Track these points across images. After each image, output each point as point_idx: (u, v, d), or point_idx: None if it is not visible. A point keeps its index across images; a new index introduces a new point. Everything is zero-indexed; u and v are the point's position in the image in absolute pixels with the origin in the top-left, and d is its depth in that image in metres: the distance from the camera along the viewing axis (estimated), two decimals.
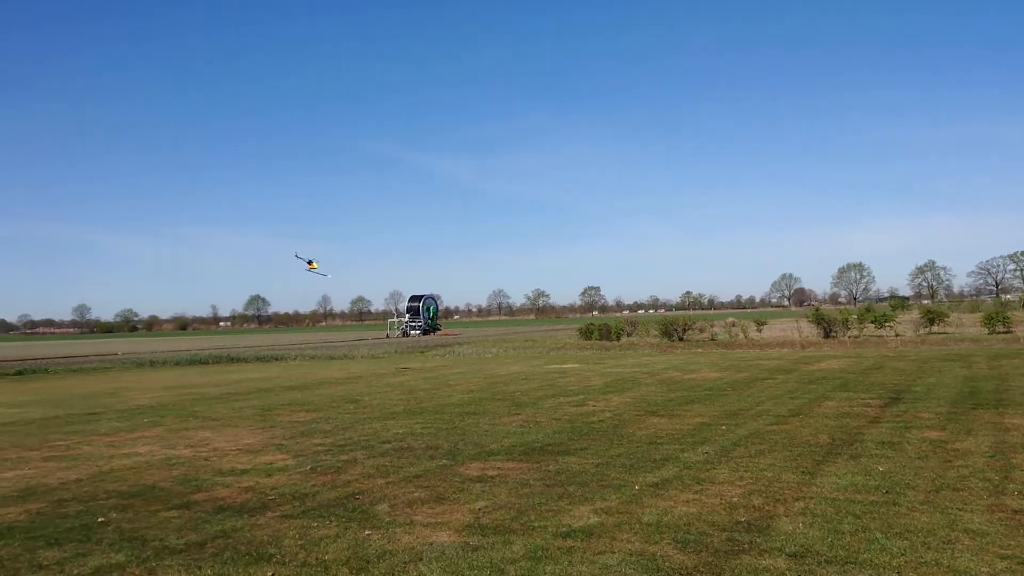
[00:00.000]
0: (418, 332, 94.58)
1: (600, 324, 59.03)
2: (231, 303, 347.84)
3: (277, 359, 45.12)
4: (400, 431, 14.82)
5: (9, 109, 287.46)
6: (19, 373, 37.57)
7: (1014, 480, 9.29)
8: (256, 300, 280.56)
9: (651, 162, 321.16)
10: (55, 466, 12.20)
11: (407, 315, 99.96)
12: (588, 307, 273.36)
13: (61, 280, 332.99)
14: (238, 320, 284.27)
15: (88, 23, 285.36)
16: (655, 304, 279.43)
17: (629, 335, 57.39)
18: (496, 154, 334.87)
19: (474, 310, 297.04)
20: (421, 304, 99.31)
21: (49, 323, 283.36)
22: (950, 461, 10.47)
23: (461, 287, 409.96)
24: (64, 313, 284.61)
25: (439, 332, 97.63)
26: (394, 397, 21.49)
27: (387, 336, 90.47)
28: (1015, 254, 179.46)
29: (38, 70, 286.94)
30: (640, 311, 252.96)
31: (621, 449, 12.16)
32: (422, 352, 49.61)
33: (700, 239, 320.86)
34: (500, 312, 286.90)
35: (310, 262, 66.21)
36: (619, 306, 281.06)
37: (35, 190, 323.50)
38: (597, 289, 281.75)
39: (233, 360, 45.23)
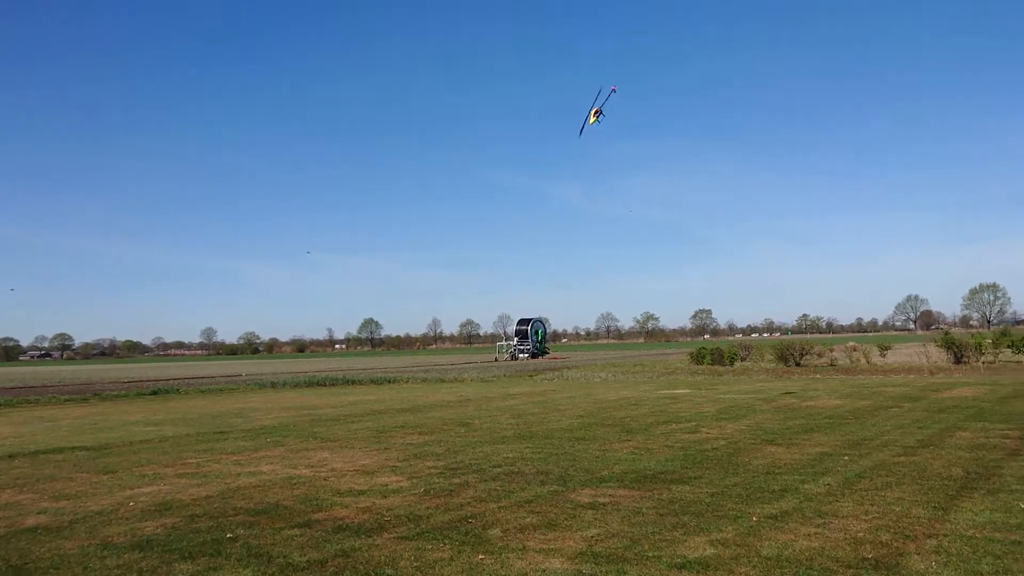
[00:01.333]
0: (526, 355, 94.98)
1: (712, 348, 57.74)
2: (346, 326, 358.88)
3: (390, 382, 46.26)
4: (511, 455, 14.89)
5: (149, 146, 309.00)
6: (154, 393, 39.93)
7: None
8: (369, 323, 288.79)
9: (766, 183, 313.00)
10: (187, 483, 12.87)
11: (516, 338, 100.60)
12: (699, 331, 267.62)
13: (190, 303, 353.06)
14: (352, 343, 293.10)
15: (236, 63, 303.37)
16: (770, 327, 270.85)
17: (743, 360, 55.88)
18: (607, 178, 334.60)
19: (583, 333, 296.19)
20: (529, 327, 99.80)
21: (179, 345, 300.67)
22: None
23: (569, 310, 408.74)
24: (193, 335, 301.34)
25: (547, 356, 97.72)
26: (504, 421, 21.62)
27: (496, 359, 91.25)
28: None
29: (175, 114, 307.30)
30: (754, 335, 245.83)
31: (737, 479, 11.82)
32: (530, 376, 49.79)
33: (818, 260, 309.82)
34: (608, 336, 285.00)
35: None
36: (731, 329, 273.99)
37: (168, 218, 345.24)
38: (708, 312, 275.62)
39: (348, 382, 46.65)
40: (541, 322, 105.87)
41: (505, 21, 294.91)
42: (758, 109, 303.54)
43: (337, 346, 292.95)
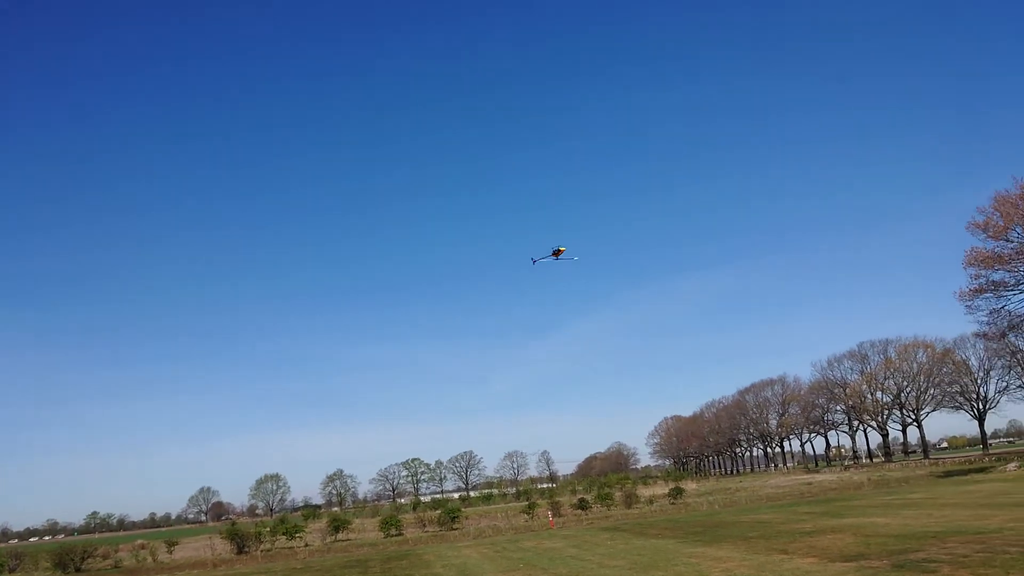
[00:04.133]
0: None
1: None
2: None
3: None
4: None
5: None
6: None
7: None
8: None
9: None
10: None
11: None
12: None
13: None
14: None
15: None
16: (54, 529, 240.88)
17: (12, 571, 48.36)
18: None
19: None
20: None
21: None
22: None
23: None
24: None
25: None
26: None
27: None
28: (407, 461, 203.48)
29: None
30: (34, 539, 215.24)
31: None
32: None
33: (109, 452, 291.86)
34: None
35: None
36: (6, 534, 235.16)
37: None
38: None
39: None
40: None
41: None
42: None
43: None
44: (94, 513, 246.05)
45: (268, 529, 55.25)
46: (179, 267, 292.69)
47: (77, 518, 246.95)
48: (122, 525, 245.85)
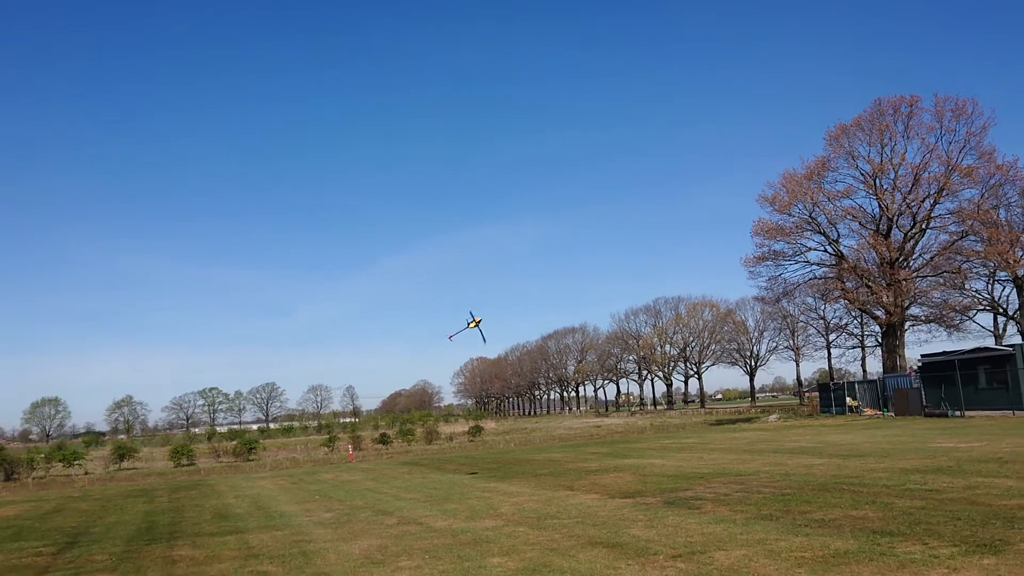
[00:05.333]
0: None
1: None
2: None
3: None
4: None
5: None
6: None
7: None
8: None
9: None
10: None
11: None
12: None
13: None
14: None
15: None
16: None
17: None
18: None
19: None
20: None
21: None
22: None
23: None
24: None
25: None
26: None
27: None
28: (204, 390, 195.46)
29: None
30: None
31: None
32: None
33: None
34: None
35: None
36: None
37: None
38: None
39: None
40: None
41: None
42: None
43: None
44: None
45: (43, 456, 51.47)
46: None
47: None
48: None
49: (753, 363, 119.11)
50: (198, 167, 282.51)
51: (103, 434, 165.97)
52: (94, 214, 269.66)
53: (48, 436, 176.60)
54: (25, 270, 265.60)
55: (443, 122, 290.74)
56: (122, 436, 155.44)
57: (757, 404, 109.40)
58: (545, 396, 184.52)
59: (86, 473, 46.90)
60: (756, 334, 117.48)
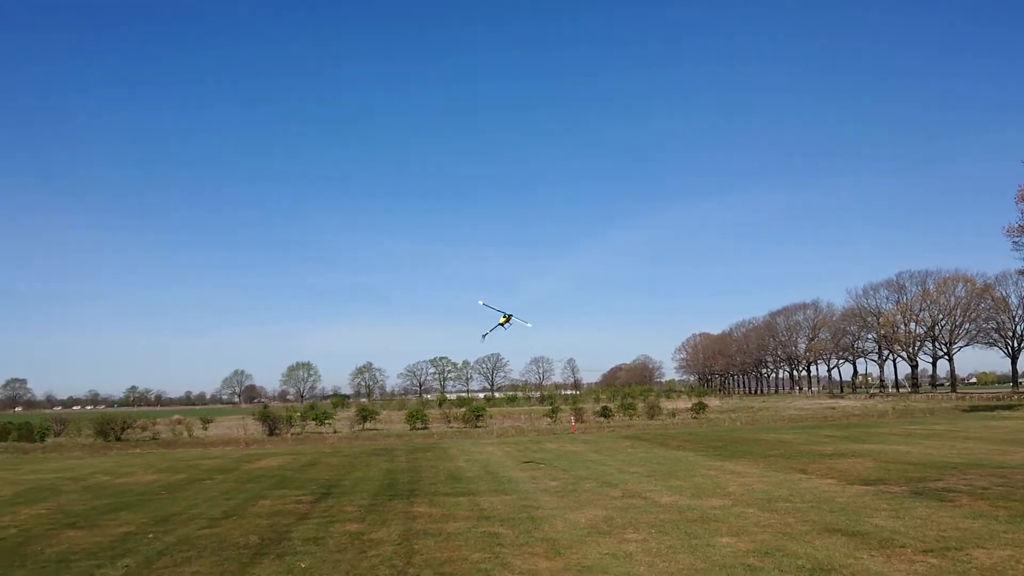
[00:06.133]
0: None
1: (20, 423, 51.21)
2: None
3: None
4: None
5: None
6: None
7: (414, 564, 10.58)
8: None
9: (118, 244, 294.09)
10: None
11: None
12: (10, 403, 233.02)
13: None
14: None
15: None
16: (95, 400, 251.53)
17: (57, 435, 50.84)
18: None
19: None
20: None
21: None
22: (364, 551, 11.49)
23: None
24: None
25: None
26: None
27: None
28: (435, 359, 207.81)
29: None
30: (76, 407, 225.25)
31: (23, 572, 10.64)
32: None
33: (150, 331, 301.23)
34: None
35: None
36: (50, 401, 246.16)
37: None
38: (23, 382, 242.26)
39: None
40: None
41: None
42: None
43: None
44: (133, 387, 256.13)
45: (299, 414, 57.14)
46: (219, 163, 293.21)
47: (117, 391, 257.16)
48: (159, 401, 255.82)
49: (1016, 344, 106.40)
50: (446, 165, 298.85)
51: (347, 396, 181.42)
52: (352, 207, 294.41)
53: (302, 396, 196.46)
54: (288, 253, 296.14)
55: (678, 100, 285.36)
56: (363, 399, 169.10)
57: (1020, 390, 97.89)
58: (772, 374, 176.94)
59: (334, 431, 51.54)
60: (1020, 312, 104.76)
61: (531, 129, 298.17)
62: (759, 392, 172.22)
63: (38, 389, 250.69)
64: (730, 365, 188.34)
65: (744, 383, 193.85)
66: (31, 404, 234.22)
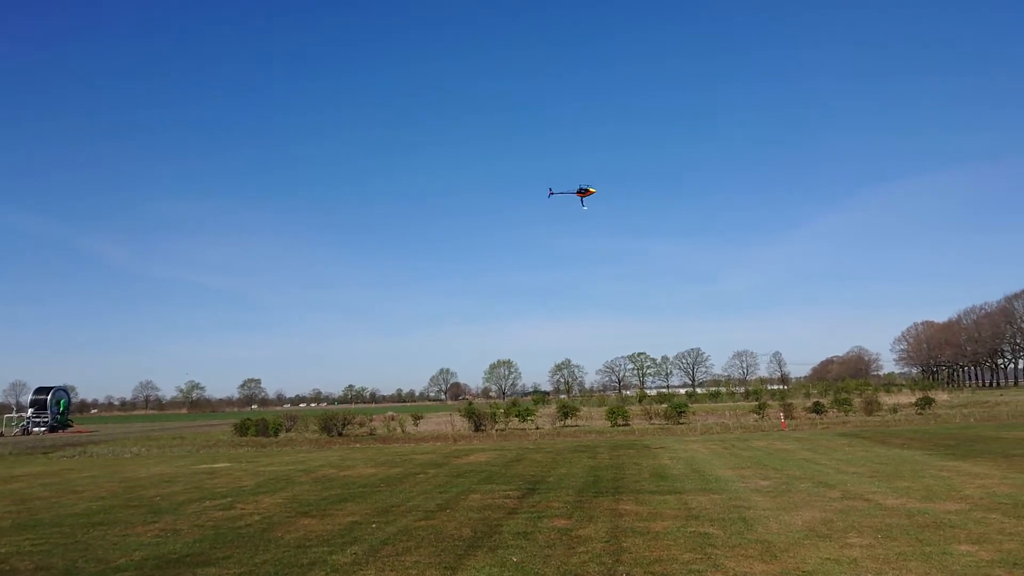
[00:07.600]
0: (44, 429, 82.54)
1: (257, 419, 56.55)
2: None
3: None
4: (3, 550, 12.77)
5: None
6: None
7: (623, 562, 10.53)
8: None
9: (323, 254, 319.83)
10: None
11: (30, 409, 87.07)
12: (247, 400, 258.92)
13: None
14: None
15: None
16: (318, 398, 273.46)
17: (288, 430, 55.60)
18: (159, 237, 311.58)
19: (116, 404, 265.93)
20: (49, 397, 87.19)
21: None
22: (573, 547, 11.58)
23: (102, 378, 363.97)
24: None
25: (70, 429, 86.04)
26: None
27: (1, 434, 77.67)
28: (633, 355, 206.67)
29: None
30: (302, 404, 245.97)
31: (268, 555, 11.68)
32: (45, 454, 43.35)
33: (364, 332, 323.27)
34: (147, 406, 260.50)
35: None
36: (280, 399, 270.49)
37: None
38: (258, 382, 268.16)
39: None
40: (64, 391, 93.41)
41: None
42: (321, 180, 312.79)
43: None
44: (350, 386, 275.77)
45: (502, 411, 58.79)
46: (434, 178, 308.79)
47: (336, 389, 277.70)
48: (373, 398, 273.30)
49: None
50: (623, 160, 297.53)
51: (547, 393, 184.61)
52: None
53: (504, 393, 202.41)
54: (482, 257, 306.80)
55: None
56: (563, 396, 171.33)
57: None
58: (1010, 365, 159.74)
59: (536, 428, 52.56)
60: None
61: (726, 117, 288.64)
62: (995, 385, 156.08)
63: (270, 388, 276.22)
64: (959, 355, 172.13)
65: (977, 375, 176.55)
66: (264, 402, 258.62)
